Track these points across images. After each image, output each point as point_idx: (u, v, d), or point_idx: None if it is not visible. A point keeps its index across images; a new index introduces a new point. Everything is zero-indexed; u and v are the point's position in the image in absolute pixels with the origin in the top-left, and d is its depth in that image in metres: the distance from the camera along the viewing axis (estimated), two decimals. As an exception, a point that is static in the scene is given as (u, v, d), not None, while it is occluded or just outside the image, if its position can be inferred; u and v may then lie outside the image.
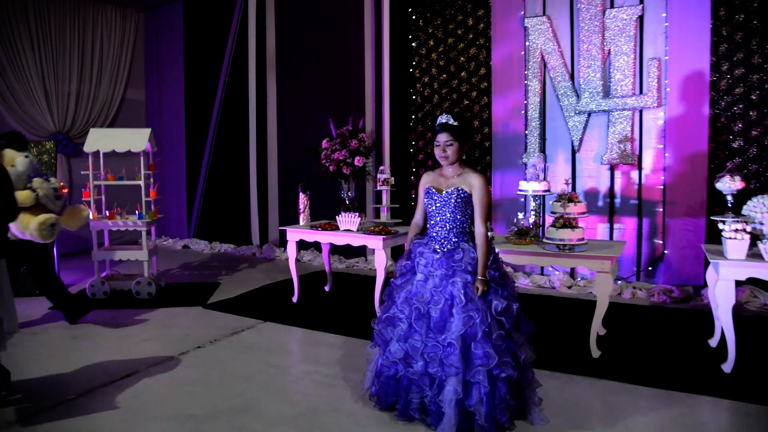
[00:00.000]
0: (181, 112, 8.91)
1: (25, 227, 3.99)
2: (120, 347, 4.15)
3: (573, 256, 3.78)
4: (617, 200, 5.53)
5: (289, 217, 7.08)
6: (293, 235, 5.24)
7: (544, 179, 4.40)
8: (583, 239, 3.79)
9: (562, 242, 3.77)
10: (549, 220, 4.12)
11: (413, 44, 6.62)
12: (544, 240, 3.91)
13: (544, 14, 5.66)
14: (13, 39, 7.38)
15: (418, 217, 3.08)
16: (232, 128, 8.36)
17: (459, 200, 2.80)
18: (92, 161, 5.42)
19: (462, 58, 6.31)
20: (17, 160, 4.13)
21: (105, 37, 8.49)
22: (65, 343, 4.28)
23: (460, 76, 6.34)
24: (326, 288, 5.78)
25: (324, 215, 5.70)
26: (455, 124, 2.82)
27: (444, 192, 2.85)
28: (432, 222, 2.91)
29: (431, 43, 6.50)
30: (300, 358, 3.95)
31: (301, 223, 5.37)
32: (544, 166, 4.33)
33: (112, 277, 5.74)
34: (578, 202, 3.99)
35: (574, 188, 5.57)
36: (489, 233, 4.16)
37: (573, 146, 5.64)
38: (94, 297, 5.44)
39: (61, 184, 4.35)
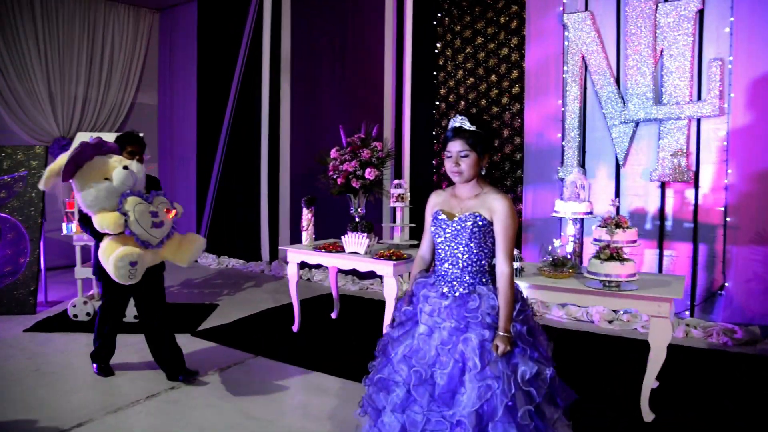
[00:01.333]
0: (193, 119, 8.45)
1: (106, 260, 2.93)
2: (85, 384, 3.60)
3: (622, 296, 3.05)
4: (668, 223, 4.77)
5: (321, 227, 6.47)
6: (294, 255, 4.64)
7: (587, 199, 3.70)
8: (634, 275, 3.07)
9: (608, 278, 3.05)
10: (589, 246, 3.42)
11: (438, 45, 5.99)
12: (586, 274, 3.20)
13: (586, 9, 4.96)
14: (18, 38, 7.03)
15: (424, 248, 2.42)
16: (243, 136, 7.85)
17: (475, 229, 2.14)
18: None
19: (492, 60, 5.64)
20: (114, 172, 3.03)
21: (116, 38, 8.10)
22: (25, 377, 3.74)
23: (490, 80, 5.67)
24: (333, 315, 5.15)
25: (335, 233, 5.07)
26: (472, 128, 2.16)
27: (456, 218, 2.19)
28: (440, 256, 2.25)
29: (458, 43, 5.86)
30: (286, 408, 3.31)
31: (304, 242, 4.77)
32: (588, 183, 3.62)
33: (96, 297, 5.22)
34: (628, 227, 3.27)
35: (617, 210, 4.82)
36: (516, 264, 3.49)
37: (617, 160, 4.90)
38: (75, 318, 4.92)
39: (167, 209, 3.17)
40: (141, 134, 3.83)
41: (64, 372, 3.81)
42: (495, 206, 2.14)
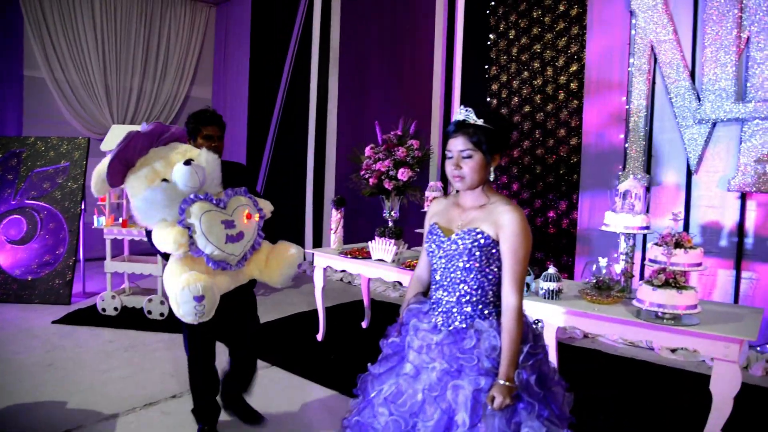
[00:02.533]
0: (245, 114, 8.37)
1: (168, 291, 2.17)
2: (91, 384, 3.47)
3: (678, 331, 2.53)
4: (749, 240, 4.09)
5: (353, 230, 6.19)
6: (320, 259, 4.35)
7: (647, 211, 3.16)
8: (695, 306, 2.54)
9: (661, 309, 2.53)
10: (647, 268, 2.90)
11: (491, 36, 5.51)
12: (635, 302, 2.69)
13: (657, -7, 4.35)
14: (77, 30, 7.16)
15: (421, 266, 2.02)
16: (291, 132, 7.67)
17: (475, 250, 1.72)
18: (110, 161, 4.86)
19: (548, 52, 5.10)
20: (174, 168, 2.18)
21: (173, 32, 8.14)
22: (38, 371, 3.66)
23: (545, 74, 5.14)
24: (363, 324, 4.82)
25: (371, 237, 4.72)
26: (478, 122, 1.74)
27: (454, 234, 1.79)
28: (435, 280, 1.86)
29: (512, 34, 5.36)
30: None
31: (332, 245, 4.47)
32: (644, 192, 3.09)
33: (127, 292, 5.16)
34: (691, 247, 2.73)
35: (687, 224, 4.19)
36: (529, 279, 2.98)
37: (689, 165, 4.26)
38: (104, 312, 4.87)
39: (247, 214, 2.28)
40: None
41: (74, 370, 3.69)
42: (502, 221, 1.72)
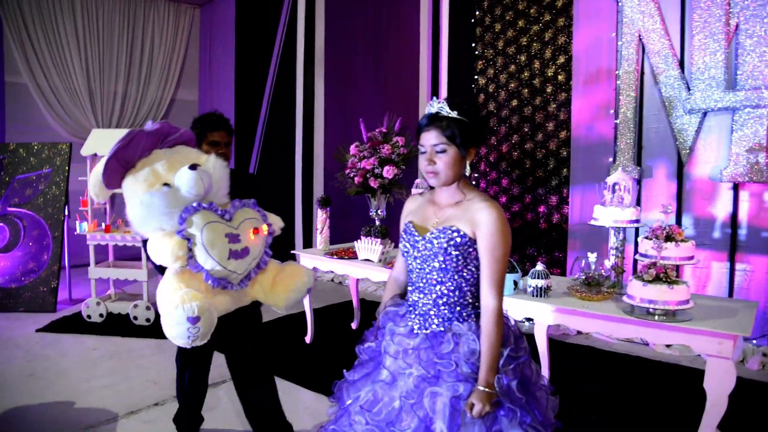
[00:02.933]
0: (231, 116, 8.26)
1: (160, 310, 1.89)
2: (72, 393, 3.38)
3: (669, 328, 2.45)
4: (742, 231, 4.01)
5: (336, 232, 6.11)
6: (307, 261, 4.27)
7: (637, 204, 3.09)
8: (686, 301, 2.46)
9: (652, 305, 2.46)
10: (640, 264, 2.82)
11: (476, 30, 5.43)
12: (625, 298, 2.61)
13: (644, -18, 4.27)
14: (59, 35, 7.05)
15: (398, 268, 1.94)
16: (279, 133, 7.57)
17: (451, 249, 1.64)
18: (91, 165, 4.76)
19: (535, 44, 5.02)
20: (178, 172, 1.94)
21: (156, 34, 8.03)
22: (17, 381, 3.57)
23: (533, 67, 5.06)
24: (353, 325, 4.74)
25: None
26: (451, 114, 1.65)
27: (428, 233, 1.70)
28: (411, 281, 1.77)
29: (497, 27, 5.27)
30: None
31: (318, 246, 4.39)
32: (634, 185, 3.01)
33: (113, 298, 5.06)
34: (682, 240, 2.65)
35: (679, 216, 4.11)
36: (515, 278, 2.87)
37: (680, 156, 4.18)
38: (89, 319, 4.77)
39: (254, 228, 2.00)
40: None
41: (55, 379, 3.61)
42: (479, 218, 1.63)
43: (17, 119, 6.81)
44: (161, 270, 2.07)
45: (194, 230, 1.87)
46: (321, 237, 4.37)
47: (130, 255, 5.67)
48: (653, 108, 4.33)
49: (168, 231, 1.89)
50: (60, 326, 4.71)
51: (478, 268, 1.66)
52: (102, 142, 4.72)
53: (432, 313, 1.69)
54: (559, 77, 4.89)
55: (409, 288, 1.77)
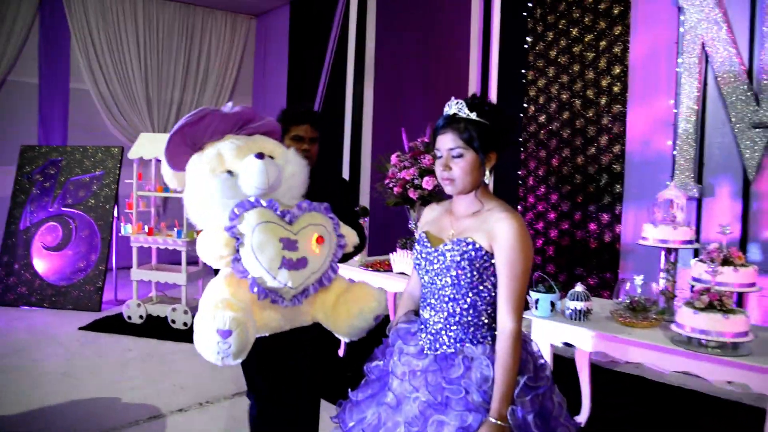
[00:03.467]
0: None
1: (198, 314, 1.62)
2: (99, 394, 3.40)
3: (723, 362, 2.19)
4: (818, 258, 3.63)
5: (382, 242, 6.01)
6: (342, 272, 4.14)
7: (697, 224, 2.83)
8: (745, 333, 2.19)
9: (704, 335, 2.21)
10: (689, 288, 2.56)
11: (528, 39, 5.24)
12: (674, 326, 2.36)
13: (709, -14, 3.98)
14: (121, 44, 7.34)
15: (412, 282, 1.80)
16: (327, 143, 7.55)
17: (465, 263, 1.48)
18: (138, 169, 4.87)
19: (589, 54, 4.78)
20: (244, 161, 1.69)
21: (213, 44, 8.24)
22: (52, 379, 3.63)
23: (586, 78, 4.81)
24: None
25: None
26: (470, 116, 1.51)
27: (442, 245, 1.56)
28: (423, 296, 1.63)
29: (550, 36, 5.06)
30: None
31: (355, 257, 4.28)
32: (689, 202, 2.76)
33: (154, 300, 5.13)
34: (742, 265, 2.38)
35: (744, 239, 3.76)
36: (558, 304, 2.63)
37: (746, 174, 3.84)
38: (129, 320, 4.85)
39: (318, 236, 1.70)
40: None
41: (88, 379, 3.65)
42: (497, 230, 1.48)
43: (78, 124, 7.10)
44: (215, 271, 1.77)
45: (245, 228, 1.61)
46: (357, 247, 4.27)
47: (174, 259, 5.76)
48: (717, 122, 4.01)
49: (221, 225, 1.65)
50: (101, 326, 4.81)
51: (495, 285, 1.50)
52: (149, 146, 4.82)
53: (443, 332, 1.54)
54: (614, 88, 4.62)
55: (421, 304, 1.64)
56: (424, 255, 1.59)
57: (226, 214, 1.64)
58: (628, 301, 2.57)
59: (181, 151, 1.73)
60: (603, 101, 4.70)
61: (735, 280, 2.35)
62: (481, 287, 1.51)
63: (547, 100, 5.12)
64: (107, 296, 5.58)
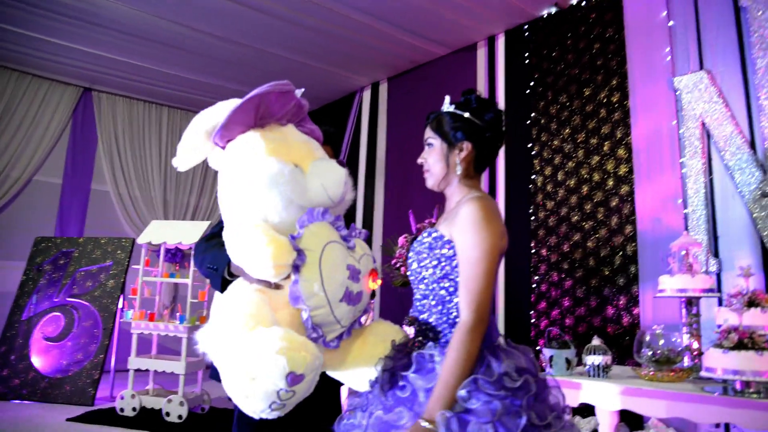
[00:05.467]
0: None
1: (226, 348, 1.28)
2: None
3: (762, 407, 1.95)
4: None
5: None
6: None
7: (705, 270, 2.69)
8: (784, 374, 1.98)
9: (738, 376, 1.99)
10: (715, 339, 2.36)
11: (533, 130, 5.42)
12: (705, 371, 2.15)
13: (701, 69, 4.15)
14: (144, 149, 7.71)
15: None
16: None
17: (433, 255, 1.41)
18: (145, 254, 4.87)
19: (593, 140, 4.90)
20: (316, 163, 1.52)
21: (231, 153, 8.64)
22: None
23: (591, 163, 4.89)
24: None
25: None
26: (449, 109, 1.54)
27: (417, 238, 1.52)
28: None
29: (553, 126, 5.24)
30: None
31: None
32: (701, 250, 2.65)
33: (150, 393, 4.86)
34: (769, 307, 2.21)
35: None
36: (599, 359, 2.43)
37: (764, 245, 3.72)
38: (122, 413, 4.56)
39: (372, 271, 1.53)
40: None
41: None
42: (458, 214, 1.40)
43: (96, 225, 7.25)
44: (224, 284, 1.47)
45: (313, 245, 1.33)
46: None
47: (175, 350, 5.56)
48: (726, 195, 3.98)
49: (272, 224, 1.37)
50: (91, 417, 4.53)
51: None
52: (158, 231, 4.86)
53: (420, 330, 1.45)
54: (620, 171, 4.66)
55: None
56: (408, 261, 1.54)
57: (279, 211, 1.38)
58: (650, 353, 2.37)
59: (243, 120, 1.46)
60: (610, 183, 4.73)
61: (764, 322, 2.17)
62: (446, 282, 1.40)
63: (555, 186, 5.16)
64: (103, 392, 5.30)
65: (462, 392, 1.20)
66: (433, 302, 1.40)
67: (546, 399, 1.33)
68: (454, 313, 1.39)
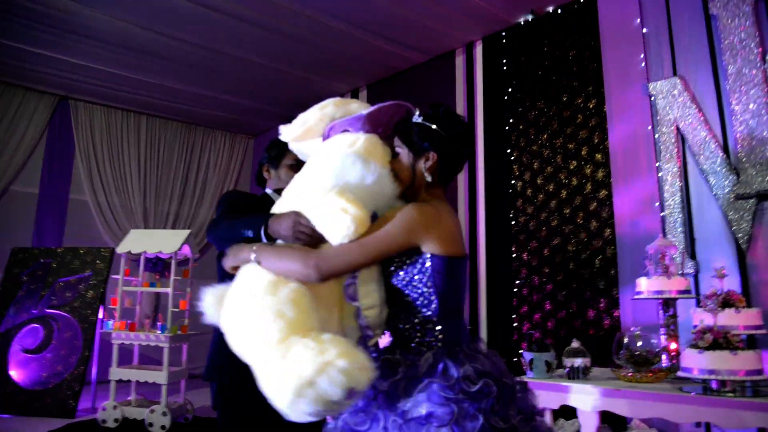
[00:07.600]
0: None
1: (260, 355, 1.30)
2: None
3: (739, 405, 2.00)
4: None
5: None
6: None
7: (681, 272, 2.75)
8: (759, 371, 2.03)
9: (714, 375, 2.04)
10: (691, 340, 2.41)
11: (512, 135, 5.48)
12: (682, 371, 2.20)
13: (674, 75, 4.25)
14: (122, 158, 7.63)
15: None
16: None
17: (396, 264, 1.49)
18: (125, 264, 4.82)
19: (571, 145, 4.98)
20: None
21: (212, 160, 8.59)
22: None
23: (569, 168, 4.96)
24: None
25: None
26: (416, 120, 1.59)
27: None
28: None
29: (531, 132, 5.31)
30: None
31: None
32: (677, 253, 2.71)
33: (132, 403, 4.80)
34: (743, 307, 2.27)
35: (746, 292, 3.61)
36: (578, 361, 2.48)
37: (739, 247, 3.81)
38: (104, 424, 4.50)
39: None
40: None
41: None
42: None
43: (74, 234, 7.15)
44: (221, 278, 1.53)
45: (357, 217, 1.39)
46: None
47: (156, 359, 5.50)
48: (701, 198, 4.07)
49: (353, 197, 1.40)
50: (72, 430, 4.48)
51: (427, 286, 1.45)
52: (138, 241, 4.82)
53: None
54: (598, 175, 4.74)
55: None
56: None
57: (361, 194, 1.43)
58: (627, 354, 2.42)
59: (377, 119, 1.57)
60: (589, 187, 4.80)
61: (739, 322, 2.23)
62: (412, 286, 1.47)
63: (534, 191, 5.22)
64: (84, 404, 5.22)
65: (419, 396, 1.27)
66: (404, 314, 1.45)
67: (513, 402, 1.37)
68: (427, 326, 1.44)
